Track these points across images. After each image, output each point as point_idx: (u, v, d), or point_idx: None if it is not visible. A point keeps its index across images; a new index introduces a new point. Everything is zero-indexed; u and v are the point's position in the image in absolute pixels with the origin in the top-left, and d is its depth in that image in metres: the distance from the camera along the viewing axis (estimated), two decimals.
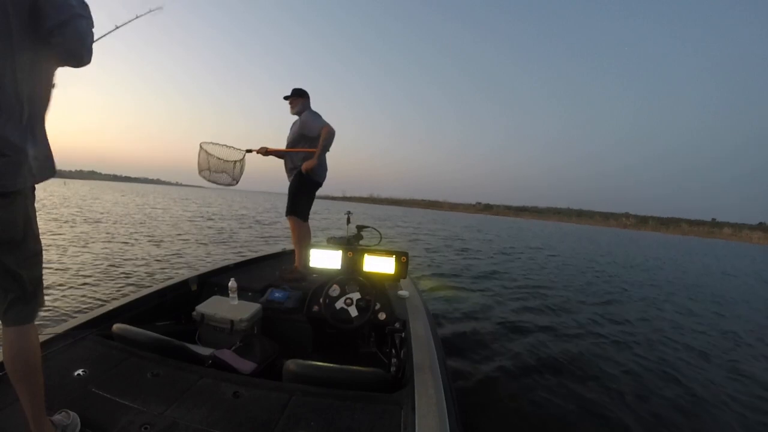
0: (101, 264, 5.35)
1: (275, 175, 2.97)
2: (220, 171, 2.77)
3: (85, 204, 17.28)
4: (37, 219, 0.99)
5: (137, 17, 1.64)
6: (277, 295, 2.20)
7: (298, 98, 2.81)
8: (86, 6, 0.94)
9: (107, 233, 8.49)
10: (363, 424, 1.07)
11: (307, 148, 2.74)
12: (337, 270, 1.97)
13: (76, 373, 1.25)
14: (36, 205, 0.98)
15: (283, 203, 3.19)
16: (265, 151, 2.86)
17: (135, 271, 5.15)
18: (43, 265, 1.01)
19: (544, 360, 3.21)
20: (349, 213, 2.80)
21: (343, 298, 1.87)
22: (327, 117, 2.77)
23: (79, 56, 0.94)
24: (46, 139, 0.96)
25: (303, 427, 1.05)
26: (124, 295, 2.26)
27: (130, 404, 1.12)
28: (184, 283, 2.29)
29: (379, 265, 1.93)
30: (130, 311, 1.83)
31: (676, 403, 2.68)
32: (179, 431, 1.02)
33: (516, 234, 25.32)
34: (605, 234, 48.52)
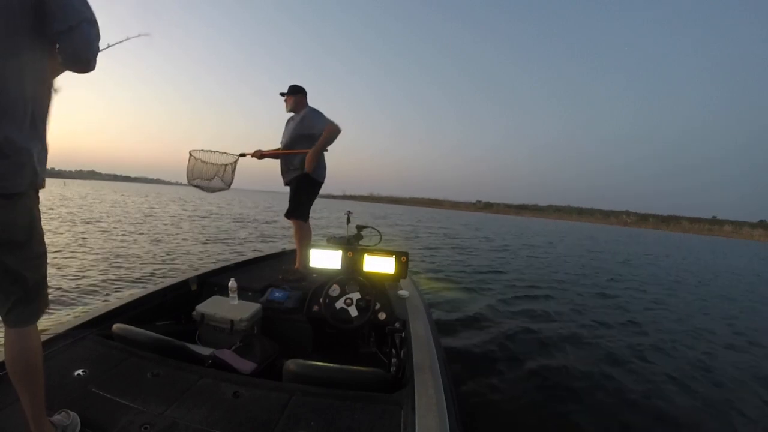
0: (101, 264, 5.37)
1: (274, 174, 2.93)
2: (212, 176, 2.65)
3: (85, 203, 17.29)
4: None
5: (127, 39, 1.67)
6: (277, 295, 2.19)
7: (295, 95, 2.74)
8: (93, 13, 0.93)
9: (106, 232, 8.51)
10: (363, 424, 1.07)
11: (305, 148, 2.65)
12: (337, 270, 1.97)
13: (76, 373, 1.25)
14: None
15: (280, 201, 3.17)
16: (260, 155, 2.77)
17: (135, 271, 5.16)
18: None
19: (545, 360, 3.21)
20: (349, 213, 2.79)
21: (343, 298, 1.87)
22: (328, 117, 2.70)
23: (86, 61, 0.94)
24: (46, 142, 0.96)
25: (303, 427, 1.05)
26: (124, 295, 2.26)
27: (130, 404, 1.12)
28: (184, 283, 2.28)
29: (379, 264, 1.93)
30: (130, 311, 1.83)
31: (677, 403, 2.68)
32: (179, 431, 1.02)
33: (517, 232, 25.33)
34: (606, 232, 48.50)
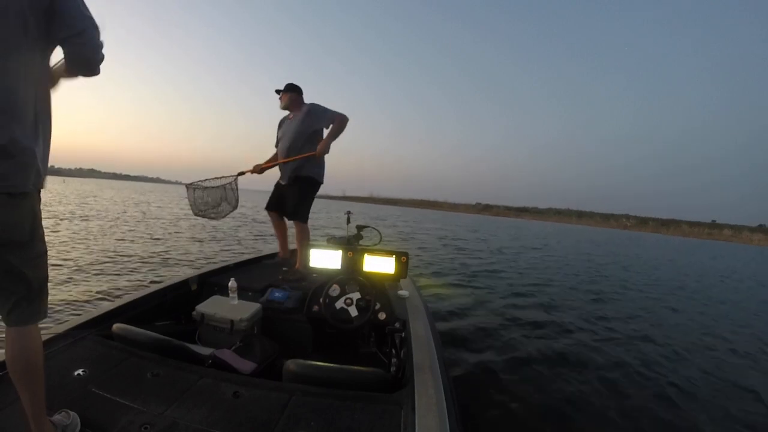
0: (101, 264, 5.36)
1: (273, 173, 2.94)
2: (219, 202, 2.55)
3: (85, 203, 17.27)
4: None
5: None
6: (277, 295, 2.19)
7: (291, 93, 2.72)
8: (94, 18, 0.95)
9: (105, 231, 8.49)
10: (363, 424, 1.07)
11: (309, 147, 2.64)
12: (337, 270, 1.97)
13: (76, 373, 1.25)
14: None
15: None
16: (259, 169, 2.76)
17: (136, 270, 5.16)
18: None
19: (545, 359, 3.21)
20: (349, 213, 2.80)
21: (343, 298, 1.87)
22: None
23: (94, 64, 0.96)
24: (48, 142, 0.97)
25: (303, 427, 1.05)
26: (124, 295, 2.26)
27: (130, 404, 1.11)
28: (184, 283, 2.28)
29: (379, 264, 1.93)
30: (130, 311, 1.83)
31: (679, 403, 2.67)
32: (179, 431, 1.02)
33: (516, 234, 25.33)
34: (605, 235, 48.51)
